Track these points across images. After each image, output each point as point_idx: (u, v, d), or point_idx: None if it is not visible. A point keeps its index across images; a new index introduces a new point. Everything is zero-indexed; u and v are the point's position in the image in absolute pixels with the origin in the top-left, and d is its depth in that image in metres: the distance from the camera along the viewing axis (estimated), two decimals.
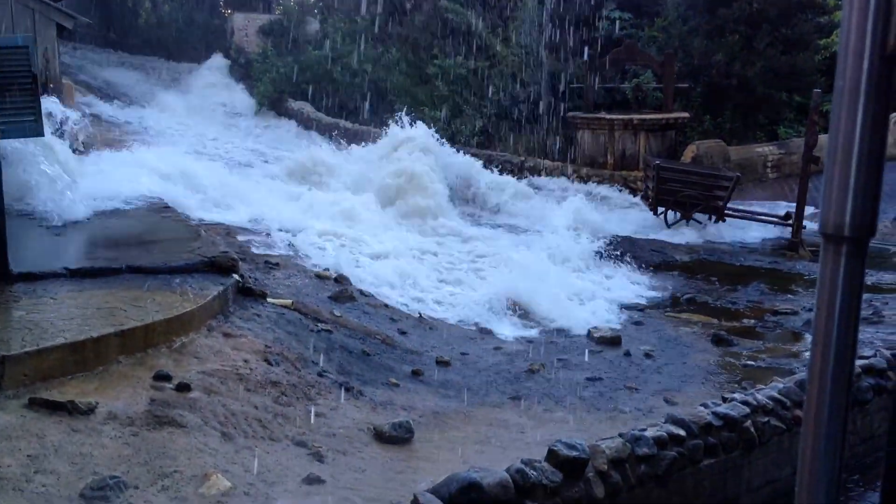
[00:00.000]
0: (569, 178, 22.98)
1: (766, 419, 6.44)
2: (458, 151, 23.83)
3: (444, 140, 24.56)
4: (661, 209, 19.62)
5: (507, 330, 12.14)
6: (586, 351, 10.90)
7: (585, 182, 22.58)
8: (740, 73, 23.74)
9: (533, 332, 12.15)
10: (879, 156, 1.03)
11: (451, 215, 19.63)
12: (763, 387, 7.01)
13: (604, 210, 20.69)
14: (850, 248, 1.06)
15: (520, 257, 14.93)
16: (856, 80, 1.03)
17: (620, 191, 22.06)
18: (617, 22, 25.92)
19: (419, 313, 12.30)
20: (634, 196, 21.70)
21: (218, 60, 38.55)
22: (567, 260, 15.41)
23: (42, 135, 12.09)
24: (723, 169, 20.19)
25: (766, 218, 18.63)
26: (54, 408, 6.58)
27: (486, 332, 12.09)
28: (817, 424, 1.11)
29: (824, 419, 1.10)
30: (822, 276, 1.08)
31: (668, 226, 19.28)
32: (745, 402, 6.47)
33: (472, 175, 22.75)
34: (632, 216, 20.52)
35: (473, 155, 24.56)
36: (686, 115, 23.19)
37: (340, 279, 12.77)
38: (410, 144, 21.58)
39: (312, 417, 7.74)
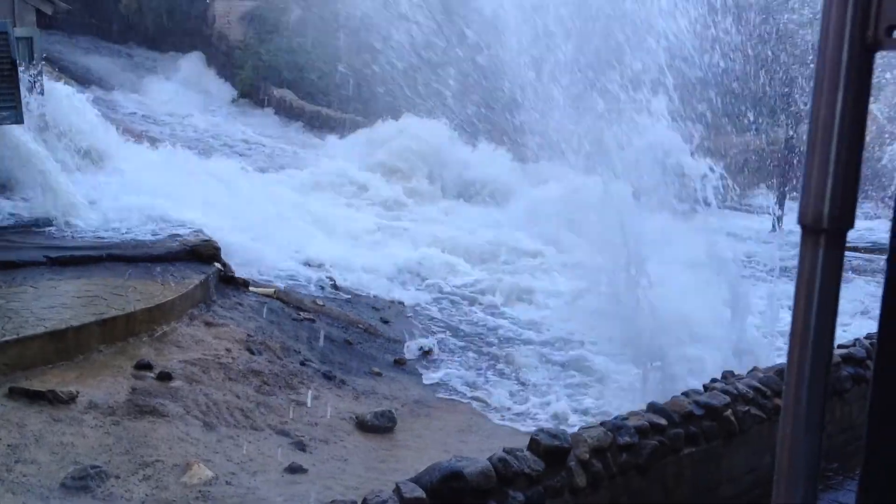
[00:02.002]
0: None
1: (747, 408, 6.47)
2: None
3: None
4: None
5: None
6: None
7: None
8: None
9: None
10: (858, 148, 1.03)
11: None
12: (743, 375, 7.06)
13: None
14: (829, 240, 1.06)
15: None
16: (835, 70, 1.03)
17: None
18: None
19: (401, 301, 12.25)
20: None
21: (199, 49, 38.24)
22: None
23: (21, 122, 11.92)
24: None
25: None
26: (35, 397, 6.55)
27: None
28: (796, 416, 1.11)
29: (803, 411, 1.10)
30: (801, 268, 1.08)
31: None
32: (725, 391, 6.50)
33: None
34: None
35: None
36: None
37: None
38: None
39: (295, 407, 7.74)
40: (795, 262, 1.10)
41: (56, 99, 14.42)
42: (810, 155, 1.05)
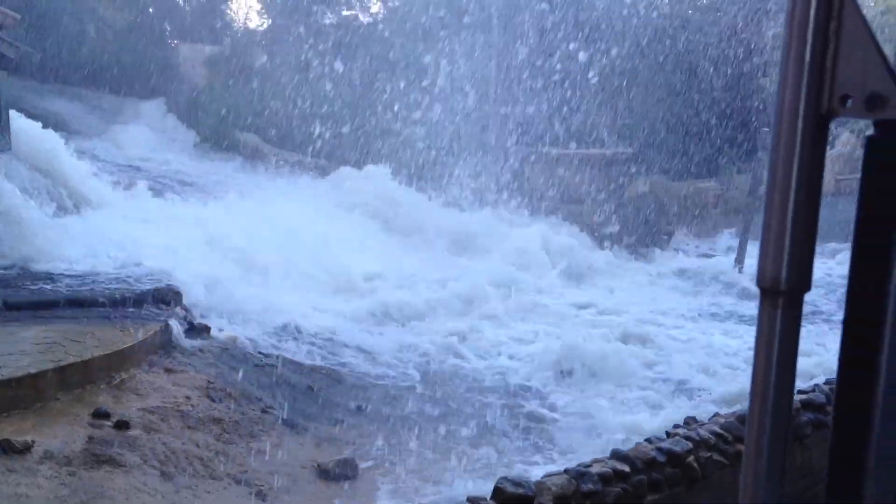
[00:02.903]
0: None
1: (709, 454, 6.50)
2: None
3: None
4: None
5: None
6: None
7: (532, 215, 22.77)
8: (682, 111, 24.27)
9: None
10: (814, 213, 1.06)
11: None
12: (705, 422, 7.09)
13: None
14: (787, 302, 1.09)
15: None
16: (790, 139, 1.06)
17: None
18: (563, 56, 26.29)
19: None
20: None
21: (163, 94, 38.12)
22: None
23: (10, 149, 12.71)
24: None
25: None
26: None
27: None
28: (757, 470, 1.13)
29: (763, 466, 1.12)
30: (760, 329, 1.11)
31: None
32: (688, 437, 6.53)
33: None
34: None
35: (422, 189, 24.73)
36: (630, 150, 23.60)
37: None
38: None
39: (255, 455, 7.63)
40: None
41: (26, 141, 14.41)
42: (767, 219, 1.08)
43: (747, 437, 1.14)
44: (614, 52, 26.16)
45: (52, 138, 15.80)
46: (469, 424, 9.41)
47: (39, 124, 16.24)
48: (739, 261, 18.50)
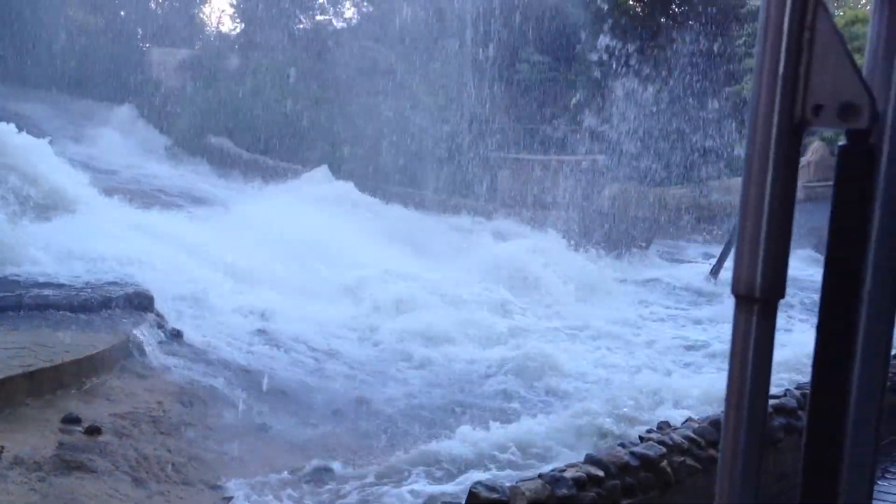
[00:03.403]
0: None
1: (682, 458, 6.53)
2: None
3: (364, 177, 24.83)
4: None
5: None
6: None
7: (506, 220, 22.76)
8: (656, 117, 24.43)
9: None
10: (787, 221, 1.08)
11: None
12: (678, 426, 7.13)
13: None
14: (761, 309, 1.10)
15: None
16: (765, 147, 1.08)
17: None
18: (536, 65, 26.44)
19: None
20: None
21: (134, 96, 37.84)
22: None
23: None
24: None
25: None
26: None
27: None
28: (732, 477, 1.14)
29: (738, 473, 1.14)
30: (735, 336, 1.12)
31: None
32: (661, 442, 6.56)
33: None
34: None
35: (390, 192, 24.75)
36: (603, 156, 23.71)
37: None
38: None
39: (228, 460, 7.58)
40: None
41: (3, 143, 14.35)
42: (742, 227, 1.10)
43: (722, 441, 1.15)
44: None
45: (28, 141, 15.70)
46: None
47: (13, 125, 16.13)
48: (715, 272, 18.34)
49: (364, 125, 27.43)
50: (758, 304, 1.09)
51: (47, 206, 14.71)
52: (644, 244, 19.22)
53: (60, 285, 10.70)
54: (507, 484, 5.80)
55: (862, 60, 1.12)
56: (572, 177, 23.02)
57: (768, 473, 7.23)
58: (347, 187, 23.82)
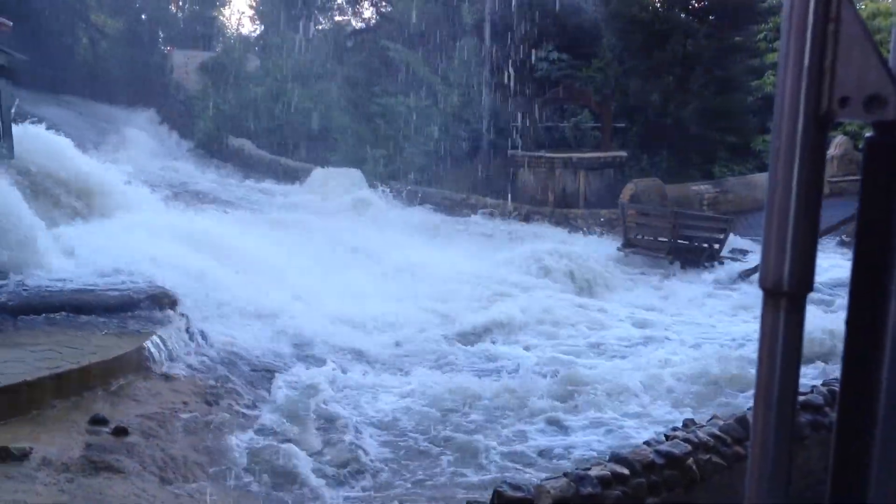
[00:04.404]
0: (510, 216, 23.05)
1: (708, 456, 6.51)
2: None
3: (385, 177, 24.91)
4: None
5: None
6: None
7: (526, 220, 22.65)
8: (675, 114, 24.27)
9: None
10: (815, 215, 1.07)
11: None
12: (703, 424, 7.10)
13: None
14: (789, 304, 1.09)
15: None
16: (790, 140, 1.07)
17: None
18: (555, 63, 26.35)
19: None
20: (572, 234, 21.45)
21: (156, 101, 38.14)
22: None
23: (12, 157, 13.67)
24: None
25: None
26: None
27: None
28: (761, 474, 1.13)
29: (768, 469, 1.13)
30: (763, 330, 1.11)
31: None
32: (686, 440, 6.54)
33: None
34: None
35: (414, 192, 24.76)
36: (623, 153, 23.59)
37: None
38: None
39: (254, 459, 7.62)
40: None
41: (36, 144, 14.52)
42: (769, 222, 1.09)
43: (752, 438, 1.15)
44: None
45: (61, 144, 15.92)
46: None
47: (43, 126, 16.38)
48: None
49: (385, 125, 27.45)
50: (785, 298, 1.08)
51: (78, 209, 14.87)
52: (717, 246, 17.97)
53: (87, 288, 10.78)
54: (533, 482, 5.80)
55: (886, 53, 1.11)
56: (594, 174, 22.93)
57: (795, 470, 7.17)
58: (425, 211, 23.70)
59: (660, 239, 18.40)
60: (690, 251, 17.91)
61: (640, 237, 18.82)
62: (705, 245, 17.92)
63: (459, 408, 9.54)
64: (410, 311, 13.80)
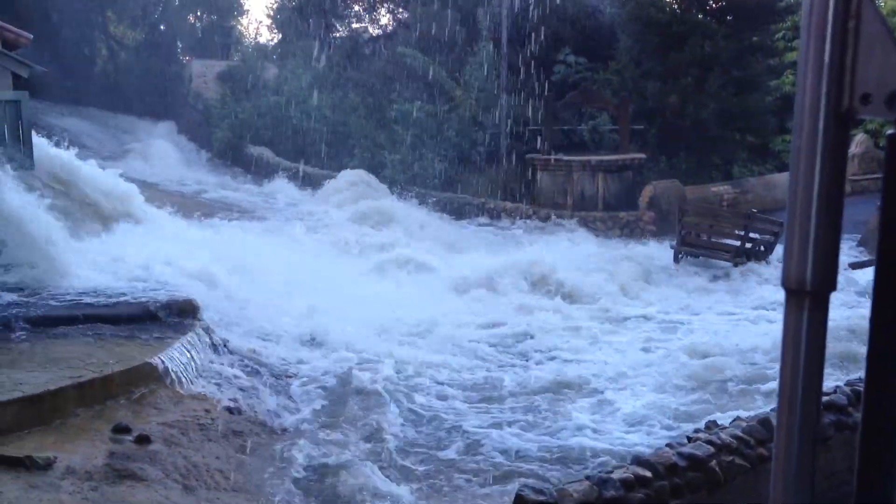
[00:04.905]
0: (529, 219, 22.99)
1: (731, 458, 6.47)
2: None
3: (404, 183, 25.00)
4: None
5: None
6: None
7: (545, 222, 22.59)
8: (694, 115, 24.13)
9: None
10: (837, 213, 1.06)
11: None
12: (726, 425, 7.06)
13: None
14: (812, 303, 1.09)
15: None
16: (812, 138, 1.06)
17: None
18: (572, 66, 26.30)
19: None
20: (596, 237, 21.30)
21: (175, 110, 38.41)
22: None
23: (33, 168, 13.93)
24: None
25: None
26: (11, 463, 6.43)
27: None
28: (786, 475, 1.12)
29: (792, 470, 1.12)
30: (786, 329, 1.10)
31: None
32: (709, 442, 6.50)
33: None
34: None
35: (433, 198, 24.81)
36: (642, 155, 23.49)
37: None
38: None
39: (277, 468, 7.64)
40: None
41: (56, 158, 14.75)
42: (791, 220, 1.08)
43: (776, 439, 1.14)
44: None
45: (75, 158, 16.13)
46: None
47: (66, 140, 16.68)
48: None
49: (402, 131, 27.48)
50: (809, 297, 1.08)
51: (101, 218, 15.01)
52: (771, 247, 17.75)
53: (109, 297, 10.84)
54: (555, 486, 5.78)
55: None
56: (613, 176, 22.85)
57: (819, 472, 7.12)
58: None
59: (721, 241, 18.14)
60: (748, 253, 17.67)
61: (701, 238, 18.44)
62: (761, 247, 17.75)
63: None
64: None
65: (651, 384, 10.69)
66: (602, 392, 10.47)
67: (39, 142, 15.36)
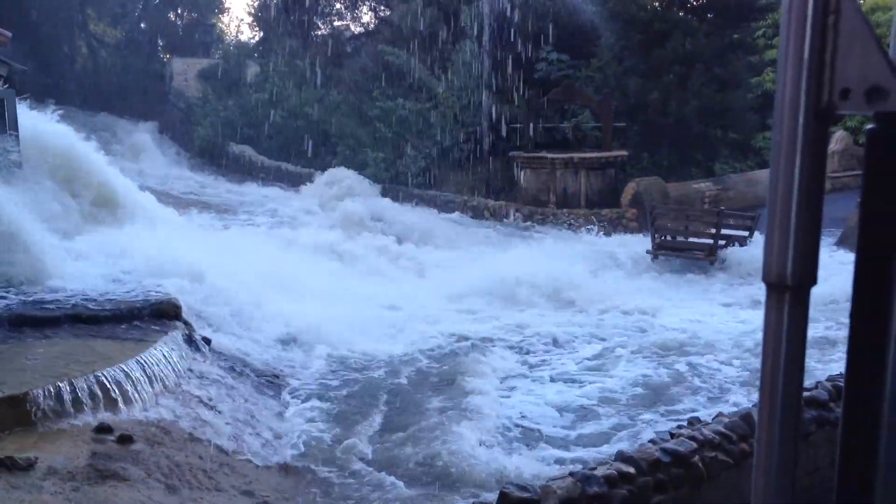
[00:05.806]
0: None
1: (714, 454, 6.49)
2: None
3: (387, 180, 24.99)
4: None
5: None
6: None
7: (528, 219, 22.61)
8: (676, 112, 24.23)
9: None
10: (817, 207, 1.06)
11: None
12: (709, 421, 7.09)
13: None
14: (793, 297, 1.09)
15: None
16: (792, 134, 1.07)
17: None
18: (554, 63, 26.34)
19: None
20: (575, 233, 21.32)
21: (157, 109, 38.18)
22: None
23: (20, 167, 13.72)
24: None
25: None
26: None
27: None
28: (767, 469, 1.13)
29: (774, 463, 1.12)
30: (767, 324, 1.11)
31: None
32: (692, 438, 6.52)
33: None
34: None
35: (416, 196, 24.83)
36: (624, 153, 23.56)
37: None
38: None
39: (258, 467, 7.61)
40: None
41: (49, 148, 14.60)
42: (771, 215, 1.08)
43: (757, 434, 1.14)
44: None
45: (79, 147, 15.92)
46: None
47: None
48: None
49: (384, 129, 27.46)
50: (789, 291, 1.08)
51: (89, 217, 14.91)
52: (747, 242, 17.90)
53: (92, 297, 10.74)
54: (538, 483, 5.79)
55: (886, 47, 1.11)
56: (596, 173, 22.89)
57: (801, 468, 7.16)
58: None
59: (694, 240, 18.22)
60: (725, 247, 17.76)
61: (672, 239, 18.48)
62: (735, 243, 17.81)
63: None
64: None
65: None
66: None
67: (34, 125, 15.22)
